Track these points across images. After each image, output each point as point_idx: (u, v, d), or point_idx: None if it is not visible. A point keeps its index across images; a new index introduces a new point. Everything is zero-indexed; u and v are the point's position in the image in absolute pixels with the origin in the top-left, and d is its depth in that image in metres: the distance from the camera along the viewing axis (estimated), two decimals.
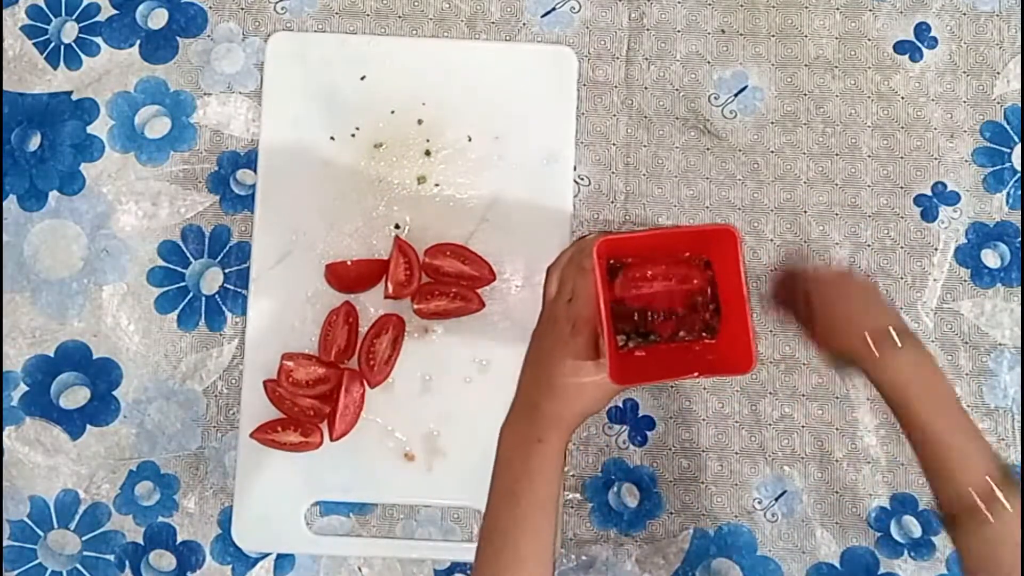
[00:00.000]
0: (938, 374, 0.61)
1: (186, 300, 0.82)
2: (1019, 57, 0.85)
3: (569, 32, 0.85)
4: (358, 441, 0.79)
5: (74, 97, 0.83)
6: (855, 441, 0.81)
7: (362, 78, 0.83)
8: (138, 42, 0.84)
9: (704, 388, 0.82)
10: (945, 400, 0.60)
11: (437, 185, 0.82)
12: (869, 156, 0.84)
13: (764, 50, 0.85)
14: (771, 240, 0.83)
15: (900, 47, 0.85)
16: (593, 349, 0.59)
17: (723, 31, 0.85)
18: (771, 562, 0.80)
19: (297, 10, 0.85)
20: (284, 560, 0.80)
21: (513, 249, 0.81)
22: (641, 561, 0.80)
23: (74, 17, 0.84)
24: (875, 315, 0.64)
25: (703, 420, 0.81)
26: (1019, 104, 0.84)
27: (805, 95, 0.84)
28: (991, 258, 0.83)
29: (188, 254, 0.82)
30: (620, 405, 0.81)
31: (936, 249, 0.83)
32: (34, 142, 0.83)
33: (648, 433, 0.81)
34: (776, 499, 0.81)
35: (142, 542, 0.80)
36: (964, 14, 0.85)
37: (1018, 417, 0.81)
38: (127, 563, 0.80)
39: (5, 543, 0.79)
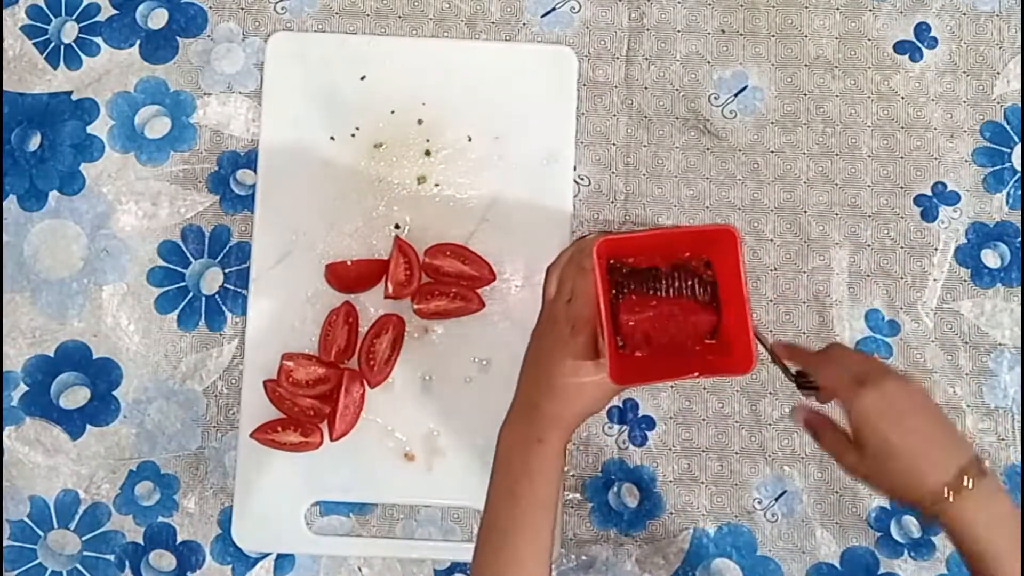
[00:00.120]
0: (1015, 514, 0.52)
1: (186, 300, 0.82)
2: (1019, 57, 0.85)
3: (569, 32, 0.85)
4: (358, 441, 0.79)
5: (74, 97, 0.83)
6: None
7: (362, 78, 0.83)
8: (138, 42, 0.84)
9: (704, 388, 0.81)
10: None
11: (437, 185, 0.82)
12: (869, 156, 0.84)
13: (764, 50, 0.85)
14: (771, 240, 0.83)
15: (900, 47, 0.85)
16: (593, 349, 0.59)
17: (723, 31, 0.85)
18: (771, 562, 0.80)
19: (297, 10, 0.84)
20: (284, 560, 0.80)
21: (513, 249, 0.81)
22: (641, 561, 0.80)
23: (74, 17, 0.84)
24: (946, 449, 0.53)
25: (703, 420, 0.81)
26: (1019, 104, 0.84)
27: (805, 95, 0.84)
28: (991, 258, 0.83)
29: (188, 254, 0.82)
30: (620, 405, 0.81)
31: (936, 249, 0.83)
32: (34, 142, 0.83)
33: (648, 433, 0.81)
34: (776, 499, 0.81)
35: (142, 542, 0.80)
36: (964, 14, 0.85)
37: (1018, 417, 0.81)
38: (127, 563, 0.80)
39: (5, 543, 0.79)
